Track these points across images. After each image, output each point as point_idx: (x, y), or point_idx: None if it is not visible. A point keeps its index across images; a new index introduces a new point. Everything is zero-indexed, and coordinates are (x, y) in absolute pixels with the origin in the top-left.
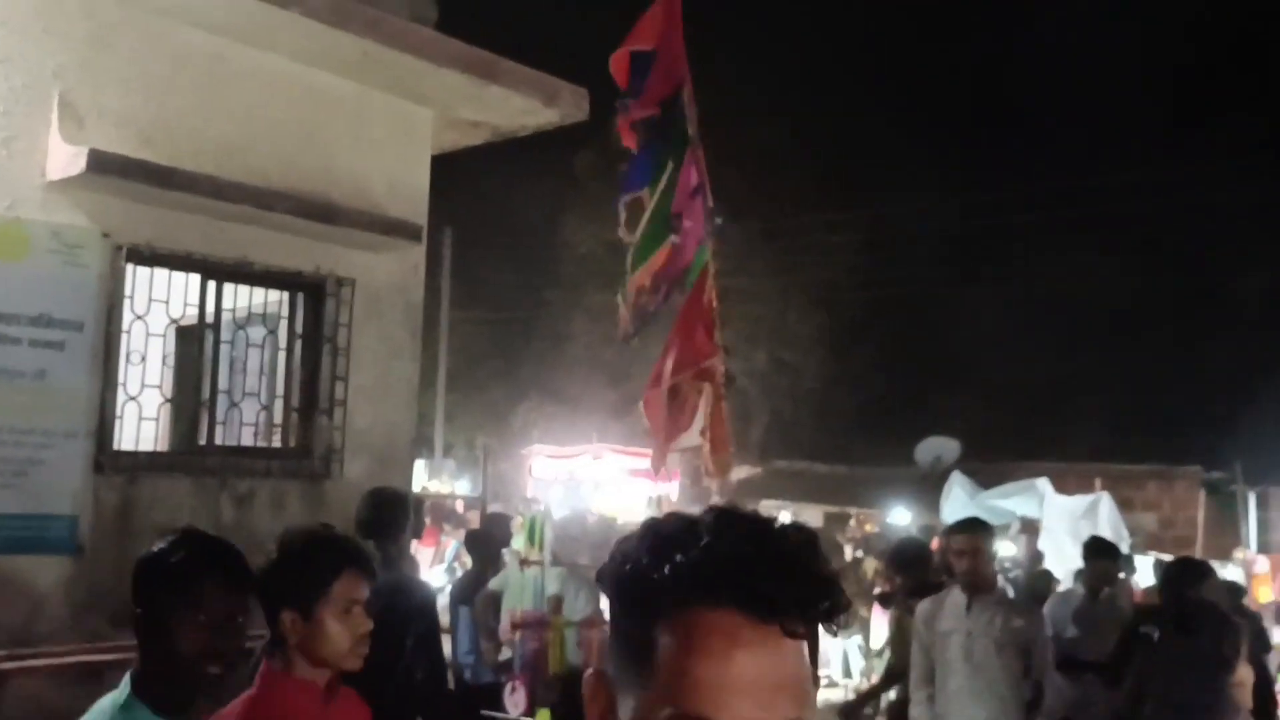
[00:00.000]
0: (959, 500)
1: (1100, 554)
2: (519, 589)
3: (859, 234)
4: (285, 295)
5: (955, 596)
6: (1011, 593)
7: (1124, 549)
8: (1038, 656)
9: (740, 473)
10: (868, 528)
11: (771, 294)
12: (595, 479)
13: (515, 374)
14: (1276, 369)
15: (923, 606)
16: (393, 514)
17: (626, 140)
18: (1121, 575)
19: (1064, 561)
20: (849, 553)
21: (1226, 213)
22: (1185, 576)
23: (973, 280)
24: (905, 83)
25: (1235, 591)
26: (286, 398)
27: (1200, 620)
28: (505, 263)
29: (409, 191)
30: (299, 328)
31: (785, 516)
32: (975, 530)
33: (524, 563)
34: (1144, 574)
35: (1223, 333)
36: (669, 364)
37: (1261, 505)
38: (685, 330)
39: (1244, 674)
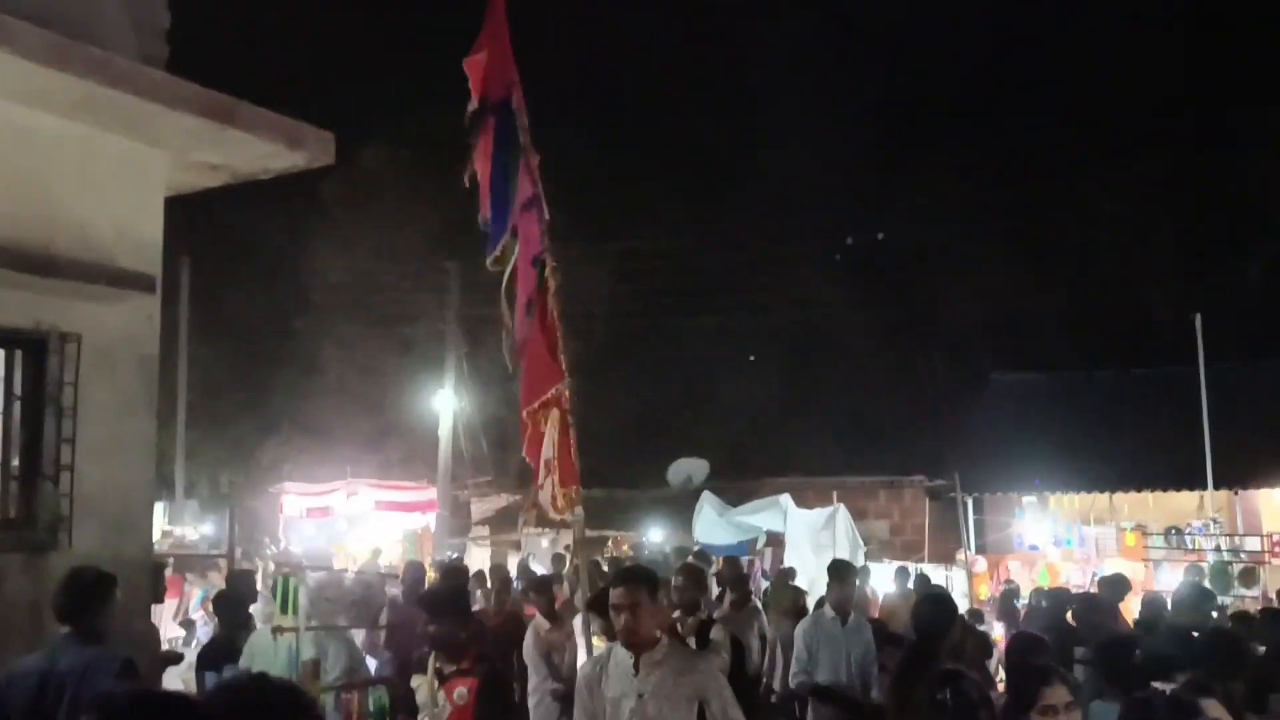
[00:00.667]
0: (709, 518)
1: (846, 577)
2: (270, 657)
3: (609, 266)
4: (1, 353)
5: (619, 656)
6: (761, 604)
7: (860, 557)
8: (715, 708)
9: (500, 501)
10: (624, 549)
11: None
12: (349, 515)
13: (263, 407)
14: (984, 385)
15: (583, 670)
16: (91, 598)
17: (479, 164)
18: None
19: (806, 571)
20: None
21: (936, 246)
22: (946, 617)
23: (714, 310)
24: (647, 126)
25: (969, 621)
26: (4, 463)
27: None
28: (249, 292)
29: (140, 239)
30: (17, 388)
31: (544, 543)
32: (633, 583)
33: (277, 630)
34: (881, 580)
35: (938, 353)
36: (522, 394)
37: (977, 510)
38: (533, 356)
39: None
